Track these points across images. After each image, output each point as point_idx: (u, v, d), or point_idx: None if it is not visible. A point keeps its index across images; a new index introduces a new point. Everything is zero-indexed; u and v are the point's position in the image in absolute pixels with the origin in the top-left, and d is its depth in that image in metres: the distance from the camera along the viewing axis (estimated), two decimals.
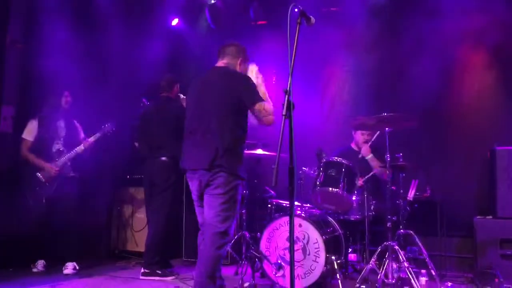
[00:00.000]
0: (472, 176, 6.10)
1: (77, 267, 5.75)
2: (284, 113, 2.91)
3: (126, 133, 6.48)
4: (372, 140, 5.75)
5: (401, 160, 5.21)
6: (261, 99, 3.92)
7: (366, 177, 5.50)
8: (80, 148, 5.92)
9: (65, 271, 5.66)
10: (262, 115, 3.88)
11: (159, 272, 5.50)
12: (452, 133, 6.29)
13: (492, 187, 5.39)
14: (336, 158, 5.30)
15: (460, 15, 6.22)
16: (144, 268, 5.54)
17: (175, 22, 7.73)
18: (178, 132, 5.42)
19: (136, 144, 6.03)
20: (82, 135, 6.15)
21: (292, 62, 2.94)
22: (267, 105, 3.92)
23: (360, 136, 5.94)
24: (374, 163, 5.73)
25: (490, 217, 5.36)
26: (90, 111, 6.38)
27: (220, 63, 4.19)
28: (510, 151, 5.33)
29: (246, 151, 5.85)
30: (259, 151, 5.82)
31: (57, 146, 5.90)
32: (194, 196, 4.06)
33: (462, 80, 6.48)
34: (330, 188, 5.09)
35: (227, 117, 3.88)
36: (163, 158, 5.58)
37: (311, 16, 3.19)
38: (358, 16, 6.64)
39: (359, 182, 5.32)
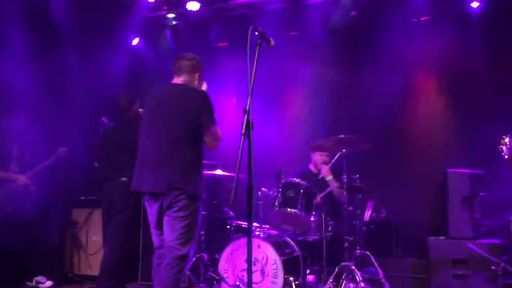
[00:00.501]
0: (426, 197, 6.28)
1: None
2: (243, 132, 2.93)
3: (82, 153, 6.34)
4: (332, 162, 5.81)
5: (357, 181, 5.31)
6: (215, 122, 3.89)
7: (323, 193, 5.55)
8: (35, 170, 5.88)
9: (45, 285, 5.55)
10: (213, 138, 3.85)
11: None
12: (407, 155, 6.49)
13: (445, 209, 5.56)
14: (294, 179, 5.35)
15: (415, 43, 6.50)
16: None
17: (135, 41, 7.70)
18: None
19: (96, 164, 5.91)
20: (27, 156, 6.09)
21: (252, 82, 2.98)
22: (219, 130, 3.89)
23: (318, 157, 6.02)
24: (334, 185, 5.81)
25: (443, 237, 5.51)
26: (46, 130, 6.24)
27: (177, 80, 4.10)
28: (461, 174, 5.53)
29: (205, 172, 5.85)
30: (219, 172, 5.81)
31: (13, 168, 5.88)
32: (152, 218, 3.94)
33: (416, 104, 6.72)
34: (289, 209, 5.12)
35: (185, 137, 3.82)
36: (123, 179, 5.47)
37: (270, 38, 3.26)
38: (317, 40, 6.81)
39: (317, 198, 5.37)
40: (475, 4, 6.29)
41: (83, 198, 6.95)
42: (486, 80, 6.23)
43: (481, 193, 5.41)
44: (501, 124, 5.26)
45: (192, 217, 3.78)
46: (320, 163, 5.98)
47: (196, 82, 4.09)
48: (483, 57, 6.25)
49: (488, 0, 6.20)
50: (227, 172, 5.82)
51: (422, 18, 6.56)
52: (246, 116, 2.95)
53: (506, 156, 3.63)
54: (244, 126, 2.94)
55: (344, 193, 5.00)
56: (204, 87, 4.11)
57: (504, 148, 3.63)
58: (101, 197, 5.70)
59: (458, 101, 6.42)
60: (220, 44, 7.53)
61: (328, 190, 5.66)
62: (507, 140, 3.63)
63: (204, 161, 5.96)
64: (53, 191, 6.53)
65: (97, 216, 6.51)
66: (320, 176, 5.90)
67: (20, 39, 6.29)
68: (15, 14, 6.27)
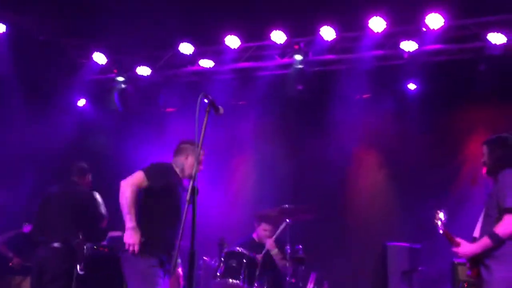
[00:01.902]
0: (367, 269, 6.31)
1: None
2: (187, 198, 2.88)
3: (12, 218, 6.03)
4: (277, 233, 5.72)
5: (300, 252, 5.28)
6: None
7: (263, 252, 5.42)
8: None
9: None
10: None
11: None
12: (349, 227, 6.59)
13: (385, 282, 5.59)
14: (237, 248, 5.25)
15: (357, 118, 6.80)
16: None
17: (82, 102, 7.60)
18: (79, 219, 5.13)
19: (28, 227, 5.62)
20: None
21: (199, 148, 2.98)
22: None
23: (262, 232, 5.92)
24: (278, 257, 5.69)
25: None
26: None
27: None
28: (400, 247, 5.63)
29: None
30: None
31: None
32: None
33: (357, 176, 6.93)
34: (231, 280, 4.98)
35: None
36: (56, 244, 5.16)
37: (219, 106, 3.30)
38: (265, 111, 6.99)
39: (258, 259, 5.24)
40: (412, 86, 6.72)
41: (11, 264, 6.47)
42: (423, 156, 6.55)
43: (419, 268, 5.50)
44: (438, 197, 5.49)
45: None
46: (264, 237, 5.88)
47: (185, 161, 4.10)
48: (420, 134, 6.62)
49: (423, 82, 6.63)
50: None
51: (364, 96, 6.92)
52: (191, 182, 2.92)
53: (440, 231, 3.74)
54: (189, 193, 2.90)
55: (287, 264, 4.93)
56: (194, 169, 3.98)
57: (439, 222, 3.75)
58: (32, 264, 5.33)
59: (397, 175, 6.68)
60: (168, 109, 7.56)
61: (264, 252, 5.52)
62: (441, 215, 3.76)
63: None
64: None
65: (26, 283, 6.04)
66: (265, 250, 5.77)
67: None
68: None
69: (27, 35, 6.60)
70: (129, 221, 3.70)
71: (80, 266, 5.12)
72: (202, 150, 3.58)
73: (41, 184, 6.48)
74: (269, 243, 5.67)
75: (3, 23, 6.27)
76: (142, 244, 3.72)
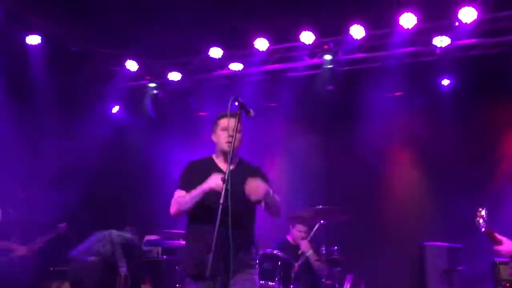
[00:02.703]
0: (404, 269, 6.21)
1: None
2: (221, 201, 2.89)
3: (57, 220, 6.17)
4: (311, 235, 5.69)
5: (336, 253, 5.24)
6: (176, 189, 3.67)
7: (300, 261, 5.40)
8: (37, 243, 5.80)
9: None
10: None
11: None
12: (384, 227, 6.49)
13: (423, 282, 5.49)
14: (272, 250, 5.24)
15: (390, 116, 6.70)
16: None
17: (115, 109, 7.75)
18: None
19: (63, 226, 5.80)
20: None
21: (231, 152, 2.99)
22: (175, 196, 3.60)
23: (297, 233, 5.90)
24: (313, 258, 5.65)
25: None
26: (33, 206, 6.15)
27: None
28: (438, 247, 5.52)
29: (181, 242, 5.71)
30: None
31: (14, 241, 5.72)
32: None
33: (392, 176, 6.83)
34: (266, 282, 4.98)
35: None
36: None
37: (250, 109, 3.29)
38: (296, 112, 6.97)
39: (295, 267, 5.23)
40: (445, 82, 6.58)
41: (52, 269, 6.63)
42: (459, 153, 6.41)
43: (459, 267, 5.37)
44: (475, 195, 5.35)
45: None
46: (299, 239, 5.86)
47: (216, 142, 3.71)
48: (455, 131, 6.47)
49: (457, 78, 6.49)
50: None
51: (396, 93, 6.81)
52: (224, 185, 2.92)
53: (483, 229, 3.63)
54: (222, 196, 2.90)
55: (323, 265, 4.90)
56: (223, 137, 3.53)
57: (481, 220, 3.64)
58: (69, 272, 5.47)
59: (433, 173, 6.55)
60: (200, 113, 7.63)
61: (303, 258, 5.51)
62: (483, 212, 3.65)
63: (179, 231, 5.92)
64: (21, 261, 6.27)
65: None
66: (300, 251, 5.75)
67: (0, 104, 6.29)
68: None
69: (61, 46, 6.77)
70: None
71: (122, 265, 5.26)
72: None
73: (79, 190, 6.66)
74: (304, 245, 5.65)
75: (38, 35, 6.44)
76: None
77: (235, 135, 3.15)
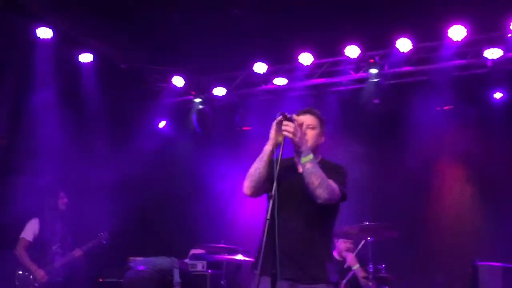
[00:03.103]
0: None
1: None
2: (268, 217, 2.86)
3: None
4: (357, 250, 5.59)
5: (383, 271, 5.11)
6: None
7: (346, 279, 5.28)
8: (77, 252, 5.83)
9: None
10: None
11: None
12: (434, 245, 6.27)
13: None
14: None
15: (439, 131, 6.52)
16: None
17: (162, 124, 7.90)
18: None
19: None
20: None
21: (277, 168, 2.96)
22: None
23: (342, 244, 5.82)
24: (360, 274, 5.54)
25: None
26: (81, 214, 6.30)
27: None
28: (493, 267, 5.28)
29: (226, 257, 5.72)
30: (239, 257, 5.66)
31: (55, 248, 5.79)
32: None
33: (442, 192, 6.61)
34: None
35: None
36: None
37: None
38: (341, 127, 6.88)
39: (341, 286, 5.13)
40: (498, 95, 6.36)
41: (101, 280, 6.76)
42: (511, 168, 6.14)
43: None
44: None
45: None
46: (345, 251, 5.77)
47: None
48: (508, 146, 6.22)
49: (510, 91, 6.26)
50: (248, 257, 5.67)
51: (446, 107, 6.63)
52: (271, 202, 2.90)
53: None
54: (269, 212, 2.88)
55: (370, 283, 4.78)
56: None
57: None
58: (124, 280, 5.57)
59: (485, 189, 6.30)
60: (245, 128, 7.68)
61: (350, 275, 5.40)
62: None
63: (224, 245, 5.94)
64: (76, 274, 6.43)
65: None
66: (346, 265, 5.66)
67: (51, 122, 6.52)
68: (52, 97, 6.54)
69: (111, 63, 7.00)
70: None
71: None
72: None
73: (127, 202, 6.80)
74: (350, 258, 5.54)
75: (90, 53, 6.69)
76: None
77: (281, 150, 3.06)
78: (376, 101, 6.58)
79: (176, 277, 5.38)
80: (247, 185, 3.11)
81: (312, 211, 3.05)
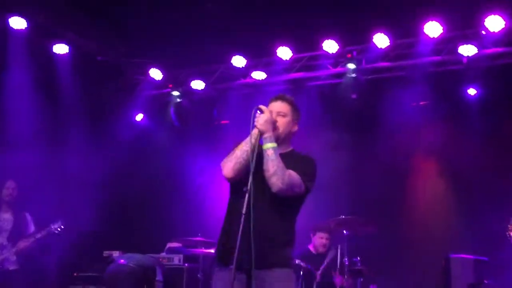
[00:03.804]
0: (429, 282, 6.09)
1: None
2: (244, 211, 2.86)
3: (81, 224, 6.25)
4: (326, 262, 5.50)
5: (359, 264, 5.17)
6: None
7: (321, 269, 5.30)
8: (22, 244, 5.55)
9: None
10: None
11: None
12: (409, 238, 6.38)
13: None
14: (294, 260, 5.20)
15: (415, 126, 6.61)
16: None
17: (139, 117, 7.84)
18: None
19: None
20: (32, 228, 5.78)
21: (253, 162, 2.95)
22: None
23: (318, 239, 5.87)
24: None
25: None
26: (43, 204, 6.15)
27: None
28: (465, 260, 5.39)
29: (202, 250, 5.72)
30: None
31: (0, 239, 5.58)
32: None
33: (417, 186, 6.71)
34: None
35: None
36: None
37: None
38: (318, 121, 6.92)
39: (317, 277, 5.17)
40: (472, 91, 6.47)
41: (76, 274, 6.69)
42: (486, 164, 6.26)
43: (486, 281, 5.24)
44: (504, 208, 5.21)
45: None
46: (321, 246, 5.80)
47: None
48: (482, 141, 6.34)
49: (484, 87, 6.37)
50: None
51: (421, 103, 6.72)
52: (247, 196, 2.90)
53: None
54: (245, 206, 2.88)
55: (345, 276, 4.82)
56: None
57: None
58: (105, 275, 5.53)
59: (459, 184, 6.42)
60: (223, 122, 7.67)
61: (325, 264, 5.38)
62: None
63: (201, 239, 5.94)
64: (46, 265, 6.33)
65: None
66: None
67: (29, 110, 6.41)
68: (25, 85, 6.40)
69: (87, 55, 6.90)
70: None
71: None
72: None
73: (103, 195, 6.74)
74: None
75: (66, 44, 6.58)
76: None
77: (256, 146, 3.04)
78: (354, 96, 6.63)
79: (159, 275, 5.36)
80: (231, 167, 3.01)
81: (276, 201, 2.99)
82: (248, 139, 3.01)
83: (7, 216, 5.69)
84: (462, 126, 6.56)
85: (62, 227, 5.61)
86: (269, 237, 2.96)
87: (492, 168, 6.21)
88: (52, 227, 5.60)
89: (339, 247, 5.24)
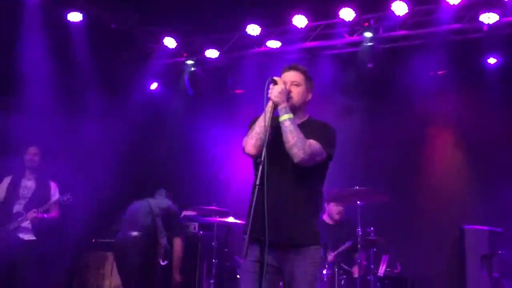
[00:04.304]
0: (442, 253, 6.09)
1: None
2: (258, 183, 2.86)
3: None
4: (339, 250, 5.39)
5: (372, 234, 5.19)
6: None
7: (337, 251, 5.37)
8: (31, 214, 5.32)
9: None
10: None
11: None
12: (423, 209, 6.36)
13: (462, 266, 5.39)
14: None
15: (432, 96, 6.51)
16: None
17: (154, 86, 7.83)
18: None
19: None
20: (56, 196, 5.60)
21: (267, 133, 2.94)
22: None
23: (333, 207, 5.88)
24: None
25: None
26: (65, 171, 6.19)
27: None
28: (479, 231, 5.38)
29: (217, 219, 5.79)
30: (231, 219, 5.73)
31: (18, 207, 5.42)
32: None
33: (432, 157, 6.66)
34: None
35: None
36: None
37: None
38: (333, 90, 6.86)
39: (330, 257, 5.23)
40: (492, 60, 6.31)
41: (94, 241, 6.81)
42: (502, 134, 6.18)
43: (500, 252, 5.24)
44: None
45: None
46: (336, 213, 5.82)
47: None
48: (501, 113, 6.23)
49: (505, 56, 6.21)
50: (239, 220, 5.73)
51: (439, 72, 6.60)
52: (261, 167, 2.90)
53: None
54: (258, 177, 2.88)
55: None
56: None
57: None
58: (113, 245, 5.65)
59: (475, 155, 6.35)
60: (237, 91, 7.63)
61: (341, 248, 5.41)
62: None
63: (216, 208, 6.00)
64: (62, 234, 6.43)
65: (111, 258, 6.20)
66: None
67: (41, 84, 6.43)
68: (41, 53, 6.40)
69: (101, 23, 6.86)
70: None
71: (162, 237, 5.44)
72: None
73: (119, 165, 6.81)
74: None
75: (80, 12, 6.55)
76: None
77: (270, 116, 3.02)
78: (370, 65, 6.52)
79: (163, 241, 5.47)
80: (252, 144, 3.01)
81: (297, 172, 2.98)
82: (264, 114, 2.98)
83: (30, 183, 5.55)
84: (480, 96, 6.45)
85: (71, 199, 5.50)
86: (289, 208, 2.96)
87: (509, 140, 6.12)
88: (61, 199, 5.51)
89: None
